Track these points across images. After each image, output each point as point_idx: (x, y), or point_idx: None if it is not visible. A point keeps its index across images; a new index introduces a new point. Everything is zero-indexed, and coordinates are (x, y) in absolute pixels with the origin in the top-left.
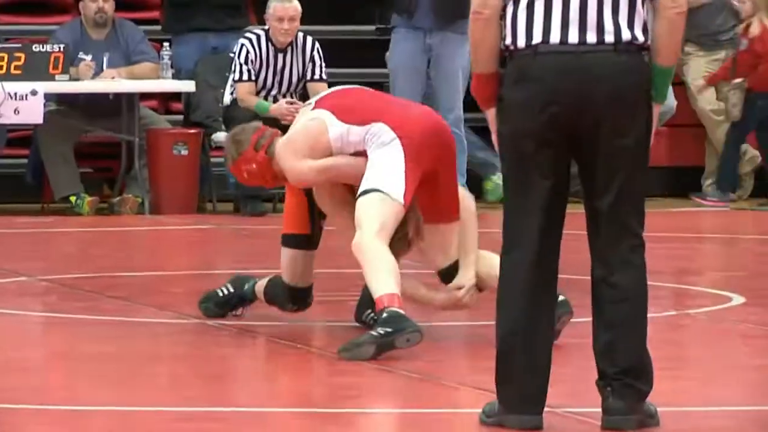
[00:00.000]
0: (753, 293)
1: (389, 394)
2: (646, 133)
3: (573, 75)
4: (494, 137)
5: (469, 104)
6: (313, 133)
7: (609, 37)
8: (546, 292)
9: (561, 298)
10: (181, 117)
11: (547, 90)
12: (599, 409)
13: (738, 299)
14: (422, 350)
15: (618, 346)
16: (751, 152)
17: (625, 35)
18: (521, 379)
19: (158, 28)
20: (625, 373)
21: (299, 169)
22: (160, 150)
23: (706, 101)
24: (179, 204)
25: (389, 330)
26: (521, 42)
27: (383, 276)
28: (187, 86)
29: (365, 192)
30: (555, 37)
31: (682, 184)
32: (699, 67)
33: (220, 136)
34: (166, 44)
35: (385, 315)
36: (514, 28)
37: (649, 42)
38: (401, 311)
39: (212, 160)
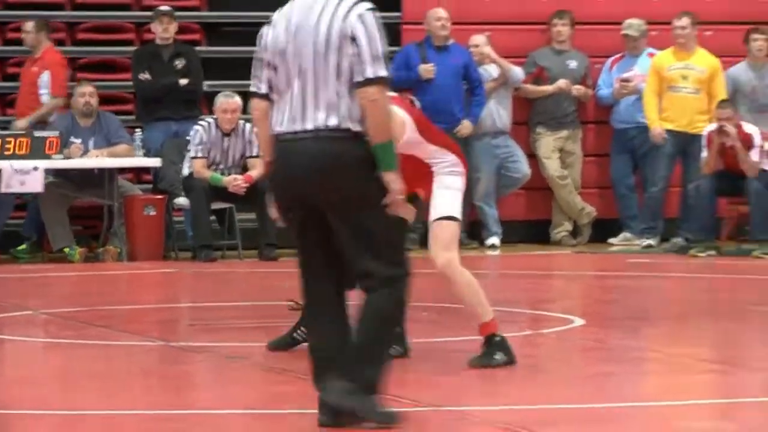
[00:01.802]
0: (591, 317)
1: (315, 398)
2: (364, 194)
3: (291, 155)
4: None
5: None
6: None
7: (310, 126)
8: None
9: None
10: (150, 186)
11: (282, 166)
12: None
13: (579, 321)
14: None
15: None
16: (588, 208)
17: (323, 124)
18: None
19: (132, 117)
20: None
21: None
22: (134, 211)
23: (553, 169)
24: (149, 253)
25: (507, 358)
26: (272, 131)
27: (485, 303)
28: (155, 162)
29: (450, 218)
30: (283, 127)
31: (535, 233)
32: (547, 143)
33: (180, 201)
34: (138, 130)
35: (498, 339)
36: (270, 120)
37: (358, 127)
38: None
39: (174, 218)
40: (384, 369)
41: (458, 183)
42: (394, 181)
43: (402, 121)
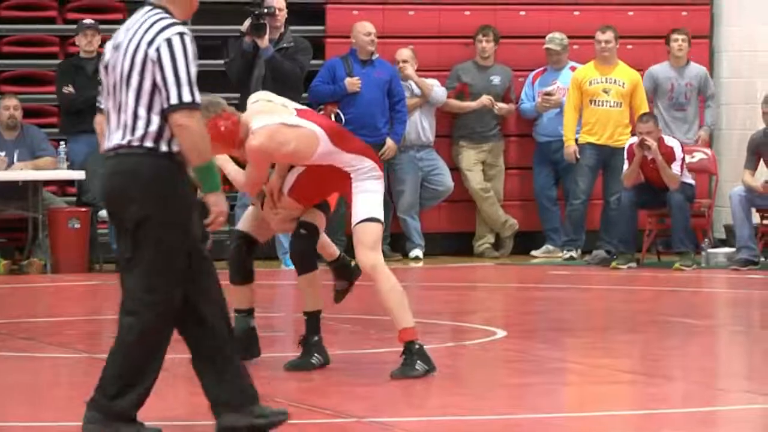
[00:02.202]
0: (513, 328)
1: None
2: (150, 213)
3: (105, 173)
4: None
5: None
6: (306, 142)
7: (112, 144)
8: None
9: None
10: (74, 198)
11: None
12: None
13: (501, 333)
14: (262, 375)
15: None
16: (510, 220)
17: (118, 143)
18: None
19: (56, 130)
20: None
21: (263, 165)
22: (58, 224)
23: (476, 182)
24: (74, 265)
25: (428, 367)
26: None
27: (407, 309)
28: (79, 175)
29: (372, 219)
30: (103, 145)
31: (458, 245)
32: (470, 156)
33: (104, 213)
34: (62, 143)
35: (417, 347)
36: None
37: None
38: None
39: (98, 231)
40: (129, 395)
41: (377, 186)
42: (215, 203)
43: (314, 135)
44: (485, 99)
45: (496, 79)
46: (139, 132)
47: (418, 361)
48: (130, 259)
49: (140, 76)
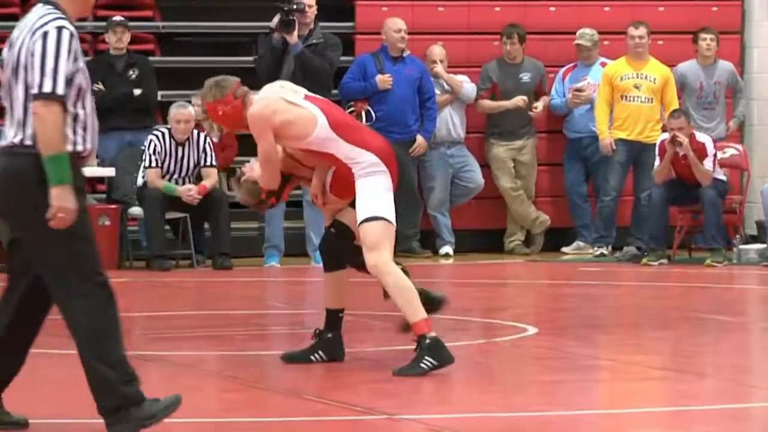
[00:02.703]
0: (544, 325)
1: (268, 407)
2: (34, 219)
3: None
4: None
5: None
6: (303, 120)
7: (5, 142)
8: None
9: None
10: (104, 195)
11: None
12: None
13: (532, 330)
14: (292, 373)
15: None
16: (542, 216)
17: (11, 141)
18: None
19: None
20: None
21: (265, 133)
22: None
23: (506, 181)
24: (104, 262)
25: (437, 362)
26: None
27: (416, 303)
28: (109, 172)
29: (372, 219)
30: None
31: (488, 242)
32: (500, 154)
33: (134, 210)
34: None
35: (428, 341)
36: None
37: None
38: (439, 338)
39: (128, 228)
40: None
41: (379, 182)
42: (56, 197)
43: (312, 116)
44: (519, 100)
45: (525, 77)
46: (30, 130)
47: (426, 357)
48: (33, 258)
49: (25, 71)
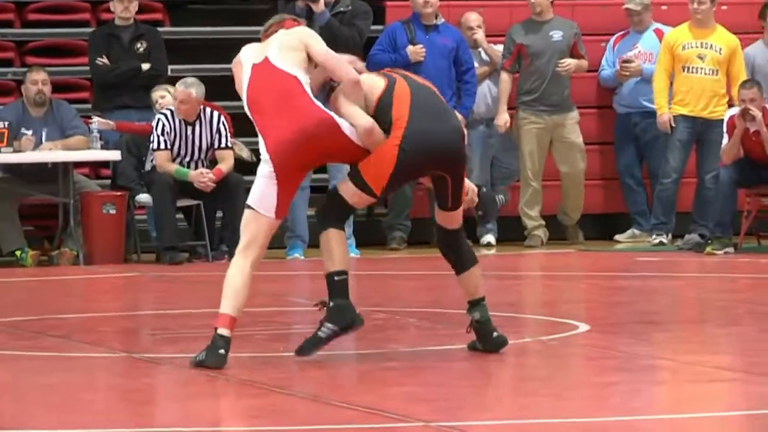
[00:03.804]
0: (596, 321)
1: (291, 414)
2: None
3: None
4: None
5: None
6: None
7: None
8: None
9: None
10: (109, 181)
11: None
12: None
13: (584, 327)
14: (317, 375)
15: None
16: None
17: None
18: None
19: (89, 106)
20: None
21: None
22: (91, 210)
23: (528, 165)
24: (109, 255)
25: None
26: None
27: (230, 298)
28: (114, 155)
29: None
30: None
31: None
32: (530, 132)
33: (142, 198)
34: (94, 119)
35: (216, 335)
36: None
37: None
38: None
39: (136, 217)
40: None
41: (262, 170)
42: None
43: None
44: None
45: (556, 35)
46: None
47: (212, 351)
48: None
49: None
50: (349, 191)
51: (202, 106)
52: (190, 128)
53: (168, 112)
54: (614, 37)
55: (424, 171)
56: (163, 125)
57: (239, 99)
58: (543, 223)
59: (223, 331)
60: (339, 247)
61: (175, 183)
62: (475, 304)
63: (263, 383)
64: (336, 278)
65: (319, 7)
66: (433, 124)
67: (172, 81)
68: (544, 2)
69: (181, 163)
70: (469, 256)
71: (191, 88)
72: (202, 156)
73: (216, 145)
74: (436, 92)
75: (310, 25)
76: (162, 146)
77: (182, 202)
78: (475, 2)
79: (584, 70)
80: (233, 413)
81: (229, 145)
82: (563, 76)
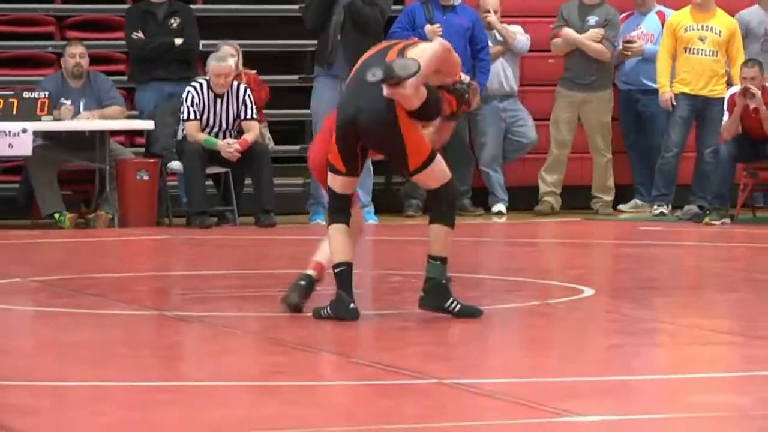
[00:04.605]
0: (601, 287)
1: (313, 370)
2: None
3: None
4: None
5: None
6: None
7: None
8: None
9: None
10: (143, 149)
11: None
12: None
13: (589, 291)
14: (338, 334)
15: None
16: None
17: None
18: None
19: (124, 78)
20: None
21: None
22: (126, 176)
23: (554, 134)
24: (142, 219)
25: None
26: None
27: None
28: (148, 125)
29: None
30: None
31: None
32: (562, 106)
33: (174, 165)
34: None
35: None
36: None
37: None
38: None
39: (168, 183)
40: None
41: None
42: None
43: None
44: (595, 34)
45: (592, 20)
46: None
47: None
48: None
49: None
50: (329, 179)
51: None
52: (219, 100)
53: (198, 85)
54: (619, 18)
55: (358, 145)
56: (193, 97)
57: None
58: (557, 191)
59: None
60: (337, 240)
61: (204, 151)
62: (431, 259)
63: (287, 341)
64: (336, 270)
65: None
66: (346, 101)
67: (204, 56)
68: None
69: (210, 133)
70: (441, 215)
71: (229, 60)
72: (230, 126)
73: (242, 116)
74: (373, 67)
75: (334, 4)
76: (192, 117)
77: (211, 170)
78: None
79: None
80: (258, 370)
81: (255, 116)
82: (593, 58)
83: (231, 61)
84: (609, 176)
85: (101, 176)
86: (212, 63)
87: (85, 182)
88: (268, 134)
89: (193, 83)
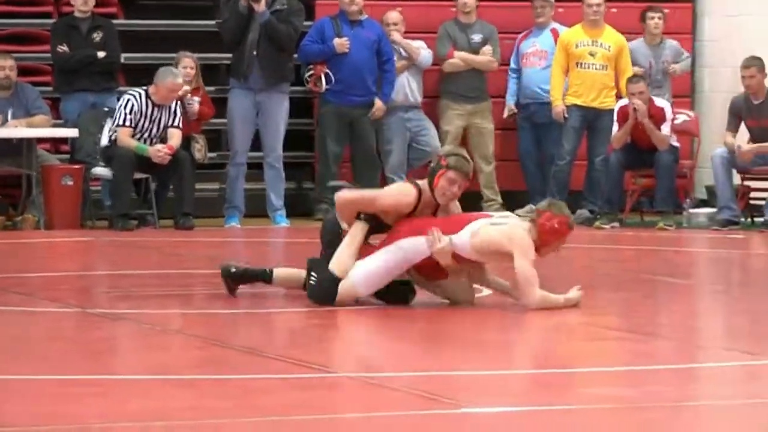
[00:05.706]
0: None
1: (229, 365)
2: None
3: None
4: None
5: (286, 146)
6: None
7: None
8: None
9: None
10: (67, 156)
11: None
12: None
13: (486, 291)
14: (252, 331)
15: None
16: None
17: None
18: None
19: (50, 88)
20: None
21: None
22: (52, 181)
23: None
24: (67, 222)
25: None
26: None
27: None
28: (72, 132)
29: None
30: None
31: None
32: (451, 118)
33: (97, 170)
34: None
35: None
36: None
37: None
38: None
39: (91, 188)
40: None
41: None
42: None
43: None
44: (486, 54)
45: (476, 38)
46: None
47: None
48: None
49: None
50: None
51: None
52: (156, 110)
53: (137, 94)
54: (519, 36)
55: None
56: (133, 105)
57: None
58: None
59: None
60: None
61: (135, 157)
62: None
63: (208, 338)
64: None
65: (261, 6)
66: None
67: (125, 68)
68: (471, 4)
69: (138, 139)
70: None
71: (179, 78)
72: (159, 134)
73: (169, 124)
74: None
75: (251, 22)
76: (127, 123)
77: (136, 175)
78: (396, 1)
79: (490, 69)
80: (183, 364)
81: (179, 124)
82: (479, 72)
83: (181, 79)
84: (494, 182)
85: (28, 181)
86: (169, 78)
87: (13, 186)
88: (205, 145)
89: (132, 92)
